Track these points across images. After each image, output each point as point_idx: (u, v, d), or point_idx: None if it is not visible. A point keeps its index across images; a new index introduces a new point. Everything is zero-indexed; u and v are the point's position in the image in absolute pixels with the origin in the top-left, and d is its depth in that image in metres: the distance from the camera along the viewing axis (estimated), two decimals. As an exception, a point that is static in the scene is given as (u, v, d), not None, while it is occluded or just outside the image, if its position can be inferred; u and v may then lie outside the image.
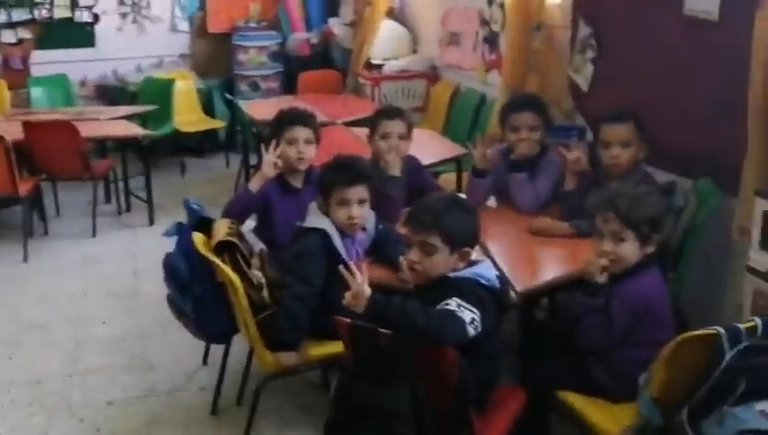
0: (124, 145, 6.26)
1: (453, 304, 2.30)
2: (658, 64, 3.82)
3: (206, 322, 3.20)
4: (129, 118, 6.50)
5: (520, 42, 4.77)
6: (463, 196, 3.18)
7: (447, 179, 4.98)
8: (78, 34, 7.69)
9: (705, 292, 3.56)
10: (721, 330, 2.10)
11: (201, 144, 7.69)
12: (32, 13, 7.49)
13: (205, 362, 3.77)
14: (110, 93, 7.75)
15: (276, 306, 2.95)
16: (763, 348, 2.15)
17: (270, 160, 3.41)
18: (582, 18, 4.41)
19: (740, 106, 3.14)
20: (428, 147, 5.05)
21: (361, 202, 2.94)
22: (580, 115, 4.56)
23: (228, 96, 6.81)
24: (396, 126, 3.59)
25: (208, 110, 7.68)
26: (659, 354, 2.18)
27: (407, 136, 3.62)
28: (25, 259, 5.22)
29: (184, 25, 8.02)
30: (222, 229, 3.05)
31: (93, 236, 5.65)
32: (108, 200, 6.39)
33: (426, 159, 4.66)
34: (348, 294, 2.30)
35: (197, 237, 3.01)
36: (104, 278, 4.90)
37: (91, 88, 7.83)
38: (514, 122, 3.63)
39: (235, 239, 2.98)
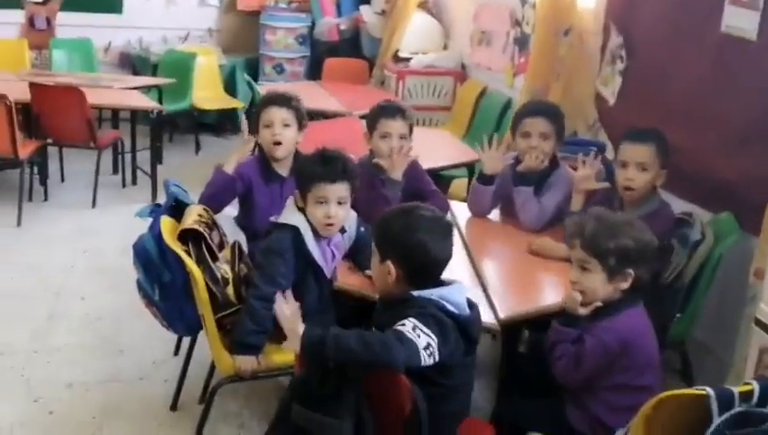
0: (136, 117, 6.09)
1: (408, 325, 2.06)
2: (689, 83, 3.55)
3: (173, 312, 2.99)
4: (147, 89, 6.36)
5: (546, 45, 4.51)
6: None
7: (459, 185, 4.74)
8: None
9: (716, 337, 3.29)
10: (710, 391, 1.84)
11: (219, 122, 7.51)
12: (60, -27, 7.36)
13: (176, 352, 3.57)
14: (133, 62, 7.64)
15: (241, 305, 2.73)
16: (758, 417, 1.89)
17: (244, 139, 3.21)
18: (614, 26, 4.13)
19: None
20: (442, 149, 4.84)
21: (341, 202, 2.69)
22: (603, 130, 4.29)
23: (247, 76, 6.61)
24: (396, 126, 3.33)
25: (230, 88, 7.51)
26: (639, 412, 1.93)
27: (407, 136, 3.37)
28: (19, 224, 5.09)
29: (213, 0, 7.84)
30: (191, 216, 2.83)
31: (93, 206, 5.51)
32: (116, 172, 6.24)
33: (438, 162, 4.47)
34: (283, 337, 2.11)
35: (165, 222, 2.80)
36: (94, 251, 4.74)
37: (114, 55, 7.72)
38: (526, 128, 3.37)
39: (200, 228, 2.76)
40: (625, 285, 2.32)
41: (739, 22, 3.18)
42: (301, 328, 2.05)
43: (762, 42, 3.08)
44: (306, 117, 3.41)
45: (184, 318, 2.99)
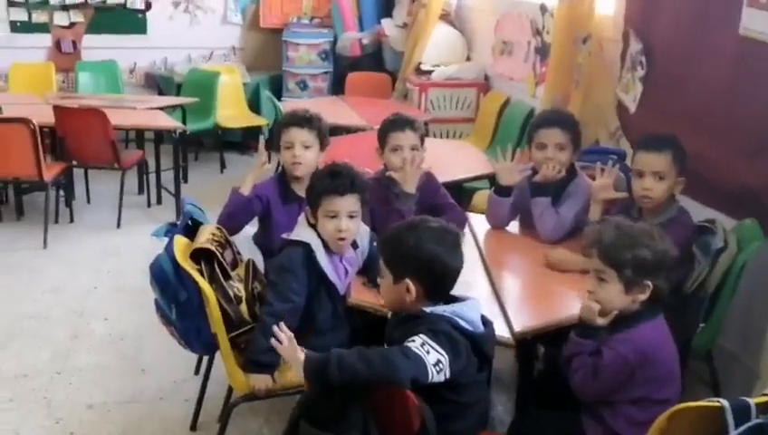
0: (160, 136, 6.14)
1: (417, 341, 2.04)
2: (710, 88, 3.48)
3: (190, 331, 2.98)
4: (172, 109, 6.41)
5: (565, 54, 4.46)
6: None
7: (481, 197, 4.69)
8: (130, 20, 7.68)
9: (743, 346, 3.21)
10: (725, 403, 1.79)
11: (244, 140, 7.54)
12: (85, -4, 7.48)
13: (197, 371, 3.56)
14: (158, 82, 7.71)
15: (254, 323, 2.71)
16: (777, 429, 1.83)
17: (260, 162, 3.20)
18: (634, 32, 4.08)
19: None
20: (464, 161, 4.80)
21: (352, 215, 2.67)
22: (625, 138, 4.23)
23: (268, 93, 6.63)
24: (407, 138, 3.29)
25: (254, 106, 7.53)
26: (654, 424, 1.87)
27: (419, 147, 3.33)
28: (45, 246, 5.13)
29: (236, 18, 7.93)
30: (204, 235, 2.83)
31: (118, 227, 5.55)
32: (141, 192, 6.28)
33: (459, 174, 4.44)
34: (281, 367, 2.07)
35: (178, 242, 2.80)
36: (118, 272, 4.77)
37: (139, 76, 7.80)
38: (541, 139, 3.32)
39: (213, 247, 2.75)
40: (643, 297, 2.26)
41: (757, 24, 3.11)
42: (301, 355, 2.03)
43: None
44: (328, 136, 3.38)
45: (201, 337, 2.97)
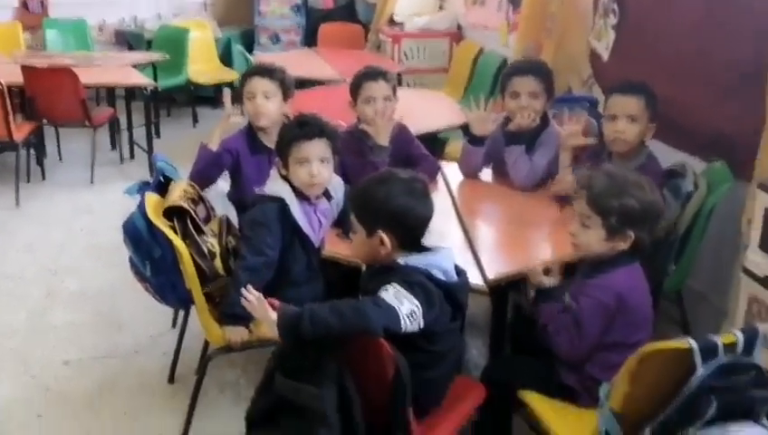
0: (131, 93, 6.06)
1: (391, 290, 2.04)
2: (680, 34, 3.48)
3: (165, 286, 2.96)
4: (143, 66, 6.32)
5: (536, 2, 4.42)
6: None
7: (455, 147, 4.69)
8: (97, -23, 7.50)
9: (712, 286, 3.26)
10: (693, 343, 1.81)
11: (217, 95, 7.45)
12: (51, -48, 7.31)
13: (174, 325, 3.57)
14: (128, 40, 7.58)
15: (228, 277, 2.71)
16: (743, 367, 1.86)
17: (225, 114, 3.17)
18: (605, -21, 4.06)
19: (761, 83, 2.80)
20: (438, 111, 4.78)
21: (323, 160, 2.65)
22: (597, 85, 4.22)
23: (240, 48, 6.55)
24: (379, 88, 3.28)
25: (227, 60, 7.43)
26: (623, 366, 1.90)
27: (391, 97, 3.32)
28: (17, 204, 5.09)
29: (206, -28, 7.78)
30: (176, 192, 2.81)
31: (91, 183, 5.50)
32: (114, 148, 6.22)
33: (433, 125, 4.43)
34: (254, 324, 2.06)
35: (150, 199, 2.78)
36: (91, 229, 4.74)
37: (109, 33, 7.68)
38: (514, 87, 3.31)
39: (184, 204, 2.73)
40: (623, 246, 2.26)
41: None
42: (272, 313, 2.03)
43: (750, -13, 3.01)
44: (292, 87, 3.36)
45: (176, 292, 2.96)
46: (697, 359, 1.82)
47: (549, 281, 2.36)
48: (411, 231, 2.18)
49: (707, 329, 2.44)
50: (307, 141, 2.60)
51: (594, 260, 2.32)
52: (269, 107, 3.21)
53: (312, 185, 2.64)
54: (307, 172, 2.62)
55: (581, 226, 2.31)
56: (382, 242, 2.17)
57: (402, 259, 2.16)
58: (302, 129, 2.63)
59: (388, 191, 2.18)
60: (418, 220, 2.18)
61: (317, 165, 2.62)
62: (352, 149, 3.21)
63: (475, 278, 2.48)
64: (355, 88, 3.32)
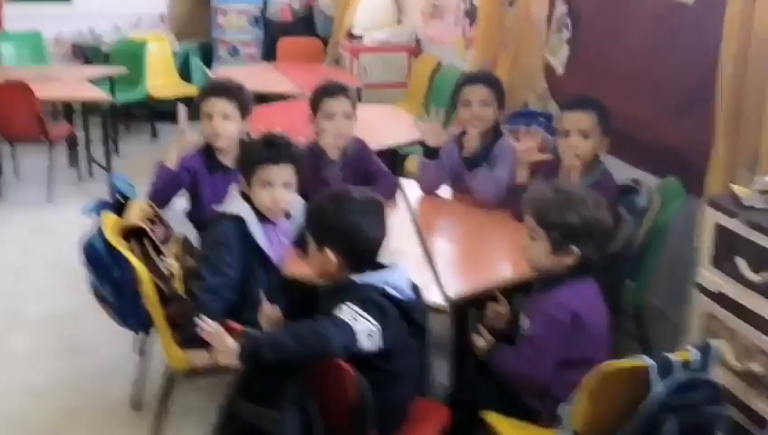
0: (89, 109, 6.01)
1: (345, 310, 2.06)
2: (633, 50, 3.56)
3: (126, 309, 2.95)
4: (100, 80, 6.26)
5: (492, 16, 4.49)
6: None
7: (414, 162, 4.72)
8: (54, -11, 7.41)
9: (670, 302, 3.31)
10: (649, 361, 1.86)
11: (176, 110, 7.40)
12: (4, -36, 7.21)
13: (137, 349, 3.52)
14: (85, 53, 7.49)
15: (189, 299, 2.70)
16: (698, 383, 1.91)
17: (179, 131, 3.18)
18: (559, -5, 4.12)
19: (712, 99, 2.87)
20: (396, 126, 4.81)
21: (287, 185, 2.67)
22: (553, 100, 4.29)
23: (198, 62, 6.53)
24: (340, 104, 3.30)
25: (185, 74, 7.39)
26: (582, 384, 1.94)
27: (351, 115, 3.34)
28: (-28, 225, 5.02)
29: (163, -17, 7.74)
30: (134, 211, 2.81)
31: (49, 202, 5.44)
32: (72, 165, 6.15)
33: (392, 140, 4.45)
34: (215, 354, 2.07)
35: (107, 219, 2.77)
36: (50, 249, 4.67)
37: (65, 46, 7.58)
38: (466, 96, 3.37)
39: (143, 224, 2.73)
40: (568, 261, 2.30)
41: (676, -15, 3.17)
42: (231, 341, 2.03)
43: (698, 6, 3.08)
44: (251, 104, 3.35)
45: (137, 314, 2.94)
46: (654, 377, 1.87)
47: (482, 343, 2.45)
48: (359, 251, 2.20)
49: (667, 345, 2.49)
50: (273, 165, 2.61)
51: (547, 276, 2.36)
52: (228, 128, 3.21)
53: (274, 210, 2.65)
54: (270, 196, 2.63)
55: (530, 238, 2.36)
56: (329, 259, 2.19)
57: (356, 277, 2.18)
58: (269, 151, 2.64)
59: (337, 208, 2.21)
60: (367, 241, 2.20)
61: (281, 190, 2.64)
62: (310, 165, 3.22)
63: (434, 297, 2.51)
64: (315, 103, 3.34)
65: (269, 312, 2.42)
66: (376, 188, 2.89)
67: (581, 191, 2.39)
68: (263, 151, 2.65)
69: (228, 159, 3.24)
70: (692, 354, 1.91)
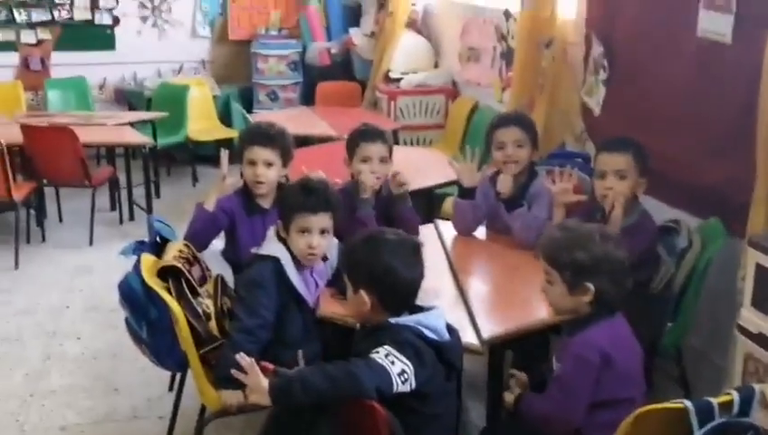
0: (131, 152, 6.12)
1: (382, 352, 2.05)
2: (671, 89, 3.53)
3: (161, 348, 2.97)
4: (142, 124, 6.39)
5: (528, 58, 4.49)
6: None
7: (451, 203, 4.70)
8: (98, 37, 7.63)
9: (712, 344, 3.25)
10: (688, 404, 1.82)
11: (217, 153, 7.49)
12: (51, 13, 7.44)
13: (171, 388, 3.54)
14: (128, 98, 7.66)
15: (224, 339, 2.71)
16: (740, 428, 1.86)
17: (221, 175, 3.21)
18: (595, 35, 4.12)
19: (752, 138, 2.84)
20: (432, 168, 4.80)
21: (323, 232, 2.68)
22: (590, 141, 4.26)
23: (238, 106, 6.62)
24: (376, 149, 3.31)
25: (226, 118, 7.50)
26: (619, 428, 1.89)
27: (387, 159, 3.35)
28: (16, 266, 5.09)
29: (205, 31, 7.91)
30: (171, 252, 2.83)
31: (90, 245, 5.51)
32: (113, 208, 6.25)
33: (428, 181, 4.45)
34: (247, 392, 2.10)
35: (145, 260, 2.80)
36: (91, 290, 4.74)
37: (109, 92, 7.75)
38: (500, 138, 3.36)
39: (179, 264, 2.75)
40: (586, 299, 2.26)
41: (713, 26, 3.15)
42: (264, 381, 2.03)
43: (736, 44, 3.06)
44: (292, 151, 3.37)
45: (173, 354, 2.96)
46: (693, 420, 1.82)
47: (510, 398, 2.41)
48: (393, 293, 2.20)
49: (709, 388, 2.43)
50: (312, 214, 2.63)
51: (576, 318, 2.33)
52: (270, 176, 3.22)
53: (309, 257, 2.66)
54: (306, 243, 2.64)
55: (547, 281, 2.34)
56: (363, 301, 2.19)
57: (393, 318, 2.17)
58: (307, 198, 2.65)
59: (371, 250, 2.22)
60: (400, 282, 2.19)
61: (317, 237, 2.65)
62: (345, 206, 3.23)
63: (470, 338, 2.49)
64: (352, 146, 3.35)
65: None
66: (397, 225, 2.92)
67: (589, 227, 2.37)
68: (301, 199, 2.67)
69: (267, 202, 3.26)
70: (733, 397, 1.86)
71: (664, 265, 3.01)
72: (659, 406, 1.85)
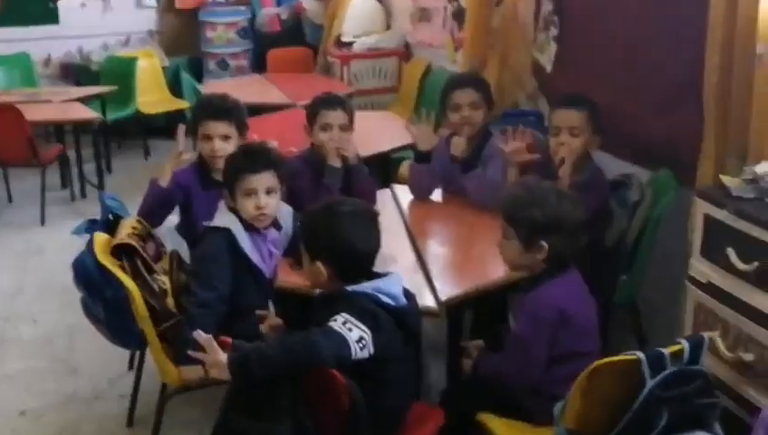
0: (80, 128, 5.99)
1: (339, 320, 2.05)
2: (620, 44, 3.54)
3: (119, 327, 2.94)
4: (90, 99, 6.25)
5: (479, 18, 4.48)
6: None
7: (408, 167, 4.70)
8: (40, 10, 7.38)
9: (665, 295, 3.28)
10: (641, 355, 1.85)
11: (168, 125, 7.38)
12: (-10, -12, 7.21)
13: (131, 367, 3.51)
14: (75, 73, 7.48)
15: (181, 315, 2.69)
16: (690, 375, 1.89)
17: (177, 151, 3.15)
18: (544, -7, 4.11)
19: (700, 90, 2.85)
20: (387, 131, 4.79)
21: (270, 191, 2.65)
22: (543, 99, 4.27)
23: (188, 77, 6.51)
24: (336, 116, 3.27)
25: (176, 89, 7.36)
26: (575, 382, 1.92)
27: (348, 127, 3.31)
28: (-34, 249, 5.00)
29: (150, 1, 7.73)
30: (124, 229, 2.79)
31: (42, 224, 5.42)
32: (64, 186, 6.13)
33: (383, 145, 4.44)
34: (206, 367, 2.08)
35: (98, 238, 2.75)
36: (44, 271, 4.65)
37: (55, 67, 7.56)
38: (455, 100, 3.37)
39: (133, 241, 2.71)
40: (540, 256, 2.30)
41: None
42: (222, 356, 2.02)
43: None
44: (246, 122, 3.32)
45: (130, 332, 2.92)
46: (646, 371, 1.85)
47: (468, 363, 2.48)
48: (348, 263, 2.20)
49: (664, 339, 2.46)
50: (253, 174, 2.60)
51: (531, 276, 2.36)
52: (227, 148, 3.15)
53: (260, 217, 2.63)
54: (254, 204, 2.61)
55: (503, 238, 2.37)
56: (320, 271, 2.19)
57: (349, 286, 2.17)
58: (247, 160, 2.63)
59: (328, 223, 2.20)
60: (356, 253, 2.20)
61: (264, 197, 2.61)
62: (306, 175, 3.20)
63: (428, 300, 2.50)
64: (312, 114, 3.31)
65: (271, 321, 2.47)
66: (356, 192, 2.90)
67: (547, 186, 2.40)
68: (241, 162, 2.65)
69: (221, 175, 3.21)
70: (684, 346, 1.89)
71: (616, 219, 3.04)
72: (613, 359, 1.88)
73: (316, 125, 3.30)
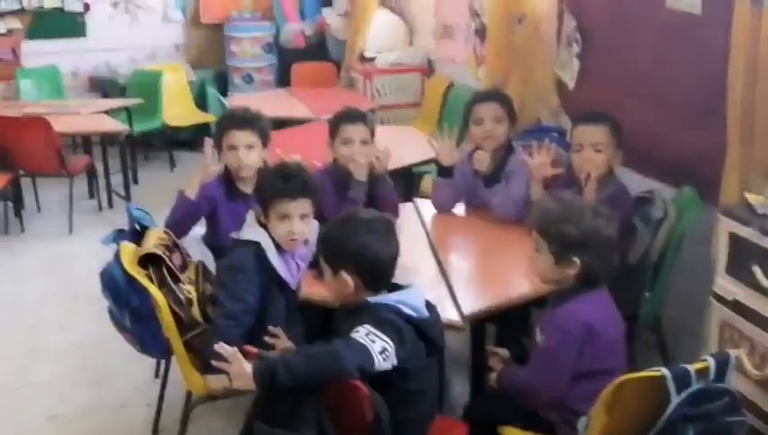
0: (107, 140, 6.08)
1: (362, 331, 2.07)
2: (642, 61, 3.56)
3: (145, 336, 2.98)
4: (117, 111, 6.34)
5: (501, 35, 4.51)
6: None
7: (430, 181, 4.73)
8: (69, 24, 7.53)
9: (690, 312, 3.28)
10: (666, 372, 1.86)
11: (193, 138, 7.48)
12: (20, 2, 7.34)
13: (157, 375, 3.55)
14: (102, 86, 7.59)
15: (207, 324, 2.73)
16: (717, 392, 1.90)
17: (205, 164, 3.20)
18: (568, 9, 4.14)
19: (724, 107, 2.87)
20: (409, 146, 4.82)
21: (304, 217, 2.69)
22: (566, 115, 4.29)
23: (213, 91, 6.59)
24: (357, 131, 3.30)
25: (201, 102, 7.46)
26: (599, 397, 1.93)
27: (369, 141, 3.35)
28: (-5, 258, 5.08)
29: (177, 15, 7.84)
30: (151, 240, 2.84)
31: (70, 233, 5.49)
32: (92, 196, 6.22)
33: (406, 160, 4.46)
34: (231, 377, 2.10)
35: (125, 248, 2.80)
36: (72, 279, 4.72)
37: (82, 80, 7.68)
38: (478, 114, 3.39)
39: (160, 251, 2.76)
40: (571, 272, 2.29)
41: (683, -4, 3.18)
42: (247, 367, 2.04)
43: (706, 15, 3.08)
44: (270, 132, 3.38)
45: (156, 341, 2.97)
46: (671, 387, 1.86)
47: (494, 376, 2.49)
48: (373, 271, 2.22)
49: (688, 356, 2.47)
50: (290, 200, 2.63)
51: (560, 290, 2.36)
52: (252, 158, 3.22)
53: (291, 241, 2.67)
54: (287, 230, 2.65)
55: (535, 251, 2.37)
56: (345, 283, 2.21)
57: (372, 298, 2.20)
58: (285, 184, 2.65)
59: (347, 231, 2.23)
60: (379, 259, 2.22)
61: (298, 223, 2.65)
62: (328, 189, 3.24)
63: (450, 314, 2.52)
64: (333, 128, 3.35)
65: (282, 345, 2.48)
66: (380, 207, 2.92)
67: (581, 202, 2.40)
68: (279, 185, 2.66)
69: (248, 187, 3.25)
70: (710, 364, 1.90)
71: (640, 235, 3.05)
72: (638, 375, 1.89)
73: (337, 139, 3.34)
